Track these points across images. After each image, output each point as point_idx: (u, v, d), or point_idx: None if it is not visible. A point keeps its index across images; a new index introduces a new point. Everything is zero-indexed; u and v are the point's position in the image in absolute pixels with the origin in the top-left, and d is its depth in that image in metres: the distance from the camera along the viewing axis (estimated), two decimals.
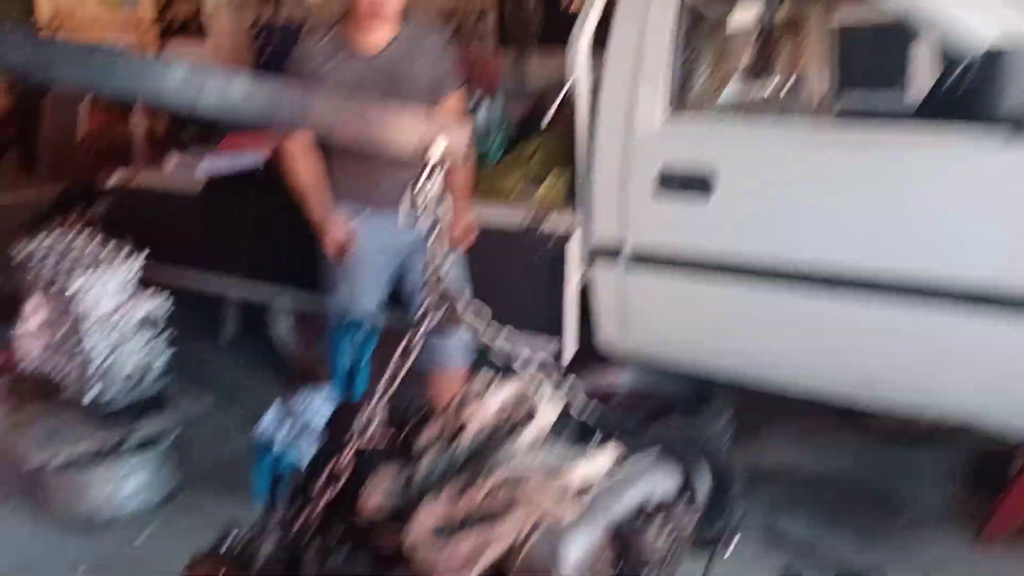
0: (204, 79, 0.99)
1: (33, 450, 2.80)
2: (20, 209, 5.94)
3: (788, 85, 3.57)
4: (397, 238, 2.71)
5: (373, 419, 1.25)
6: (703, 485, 1.22)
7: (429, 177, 1.24)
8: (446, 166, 1.26)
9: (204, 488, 3.06)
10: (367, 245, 2.75)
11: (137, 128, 5.37)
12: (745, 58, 3.53)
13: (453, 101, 2.77)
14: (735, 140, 2.65)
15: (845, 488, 3.07)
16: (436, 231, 1.25)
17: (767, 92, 3.45)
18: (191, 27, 7.04)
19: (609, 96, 2.76)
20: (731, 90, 3.30)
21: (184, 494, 3.02)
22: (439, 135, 1.25)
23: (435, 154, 1.21)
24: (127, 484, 2.85)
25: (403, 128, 1.25)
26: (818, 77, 3.74)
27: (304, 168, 2.75)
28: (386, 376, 1.25)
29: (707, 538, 1.24)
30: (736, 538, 1.24)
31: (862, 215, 2.38)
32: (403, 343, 1.27)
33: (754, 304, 2.55)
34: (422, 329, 1.28)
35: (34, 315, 3.17)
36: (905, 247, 2.32)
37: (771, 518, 2.82)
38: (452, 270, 2.83)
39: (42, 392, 3.09)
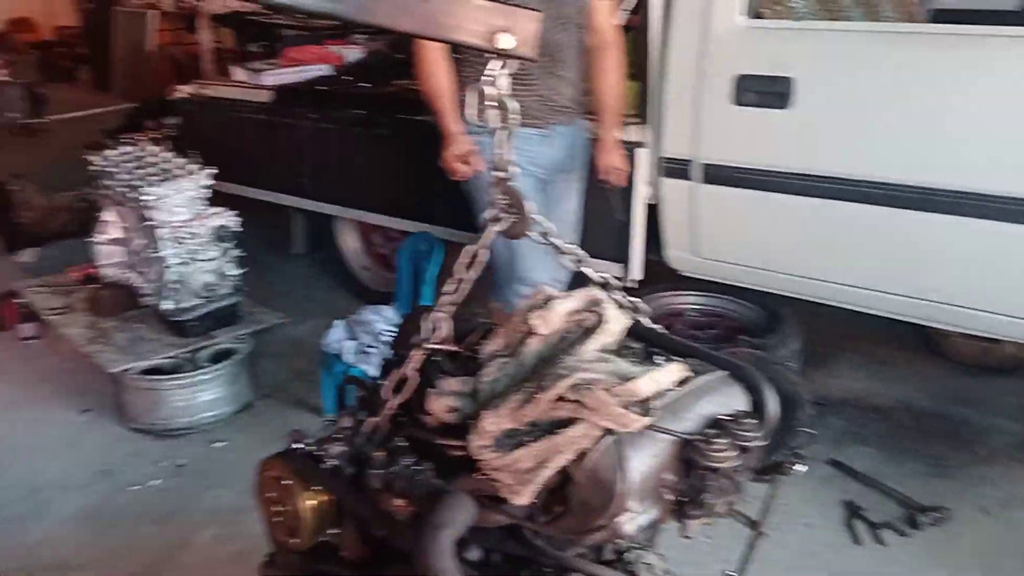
0: None
1: (113, 359, 2.91)
2: (94, 123, 6.08)
3: None
4: (542, 156, 2.60)
5: (439, 326, 1.22)
6: (771, 409, 1.17)
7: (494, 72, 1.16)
8: (515, 64, 1.18)
9: (275, 399, 3.16)
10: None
11: (204, 42, 5.39)
12: None
13: (606, 6, 2.63)
14: (817, 45, 2.49)
15: (916, 418, 2.98)
16: (505, 125, 1.18)
17: None
18: None
19: (684, 0, 2.62)
20: None
21: (256, 404, 3.11)
22: (508, 23, 1.16)
23: (503, 45, 1.13)
24: (202, 394, 2.94)
25: (466, 16, 1.16)
26: None
27: (438, 74, 2.55)
28: (452, 282, 1.22)
29: (771, 465, 1.20)
30: (801, 466, 1.19)
31: (959, 126, 2.22)
32: (468, 249, 1.23)
33: (834, 219, 2.43)
34: (490, 235, 1.23)
35: (111, 227, 3.25)
36: (1003, 160, 2.16)
37: (837, 448, 2.77)
38: (571, 209, 2.72)
39: (121, 302, 3.19)
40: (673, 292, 3.15)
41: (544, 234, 1.29)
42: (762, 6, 2.60)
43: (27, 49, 9.55)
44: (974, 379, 3.18)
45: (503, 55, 1.12)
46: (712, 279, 2.87)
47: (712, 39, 2.57)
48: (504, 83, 1.16)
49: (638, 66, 2.81)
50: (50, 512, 2.53)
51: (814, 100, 2.40)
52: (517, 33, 1.15)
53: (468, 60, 2.52)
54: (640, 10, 2.79)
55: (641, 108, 2.80)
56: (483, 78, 1.16)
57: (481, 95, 1.16)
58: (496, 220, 1.24)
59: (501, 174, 1.21)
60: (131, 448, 2.86)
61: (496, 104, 1.16)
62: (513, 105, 1.17)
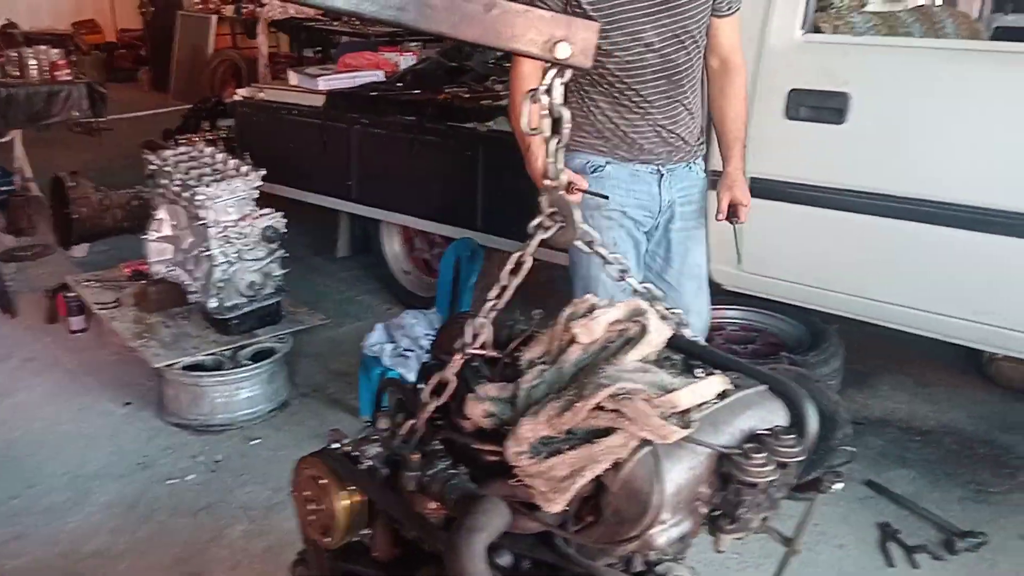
0: None
1: (157, 353, 2.96)
2: (153, 123, 6.23)
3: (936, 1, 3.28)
4: (653, 198, 2.24)
5: (480, 331, 1.21)
6: (811, 425, 1.14)
7: (552, 82, 1.15)
8: (568, 73, 1.17)
9: (313, 399, 3.19)
10: (613, 201, 2.19)
11: (262, 46, 5.50)
12: None
13: (732, 22, 2.24)
14: (876, 61, 2.45)
15: (959, 442, 2.90)
16: (558, 134, 1.17)
17: (912, 9, 3.17)
18: None
19: (743, 14, 2.59)
20: (872, 6, 3.05)
21: (293, 404, 3.14)
22: (566, 34, 1.15)
23: (560, 55, 1.12)
24: (241, 391, 2.98)
25: (525, 25, 1.16)
26: None
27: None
28: (496, 289, 1.21)
29: (808, 482, 1.17)
30: (838, 485, 1.16)
31: (1019, 146, 2.16)
32: (514, 256, 1.22)
33: (886, 237, 2.39)
34: (534, 241, 1.22)
35: (163, 224, 3.31)
36: None
37: (876, 469, 2.70)
38: (699, 262, 2.31)
39: (168, 299, 3.25)
40: (715, 306, 3.10)
41: (590, 243, 1.28)
42: (821, 21, 2.57)
43: (91, 50, 9.82)
44: (1017, 402, 3.09)
45: (560, 65, 1.12)
46: (756, 294, 2.82)
47: (768, 53, 2.54)
48: (558, 93, 1.15)
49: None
50: (89, 501, 2.58)
51: (870, 116, 2.35)
52: (575, 43, 1.15)
53: (582, 88, 2.21)
54: None
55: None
56: (540, 87, 1.16)
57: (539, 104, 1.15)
58: (542, 228, 1.24)
59: (550, 183, 1.21)
60: (170, 442, 2.91)
61: (549, 114, 1.15)
62: (566, 115, 1.17)
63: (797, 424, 1.15)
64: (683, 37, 2.11)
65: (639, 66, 2.11)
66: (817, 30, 2.54)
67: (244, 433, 2.95)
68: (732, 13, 2.21)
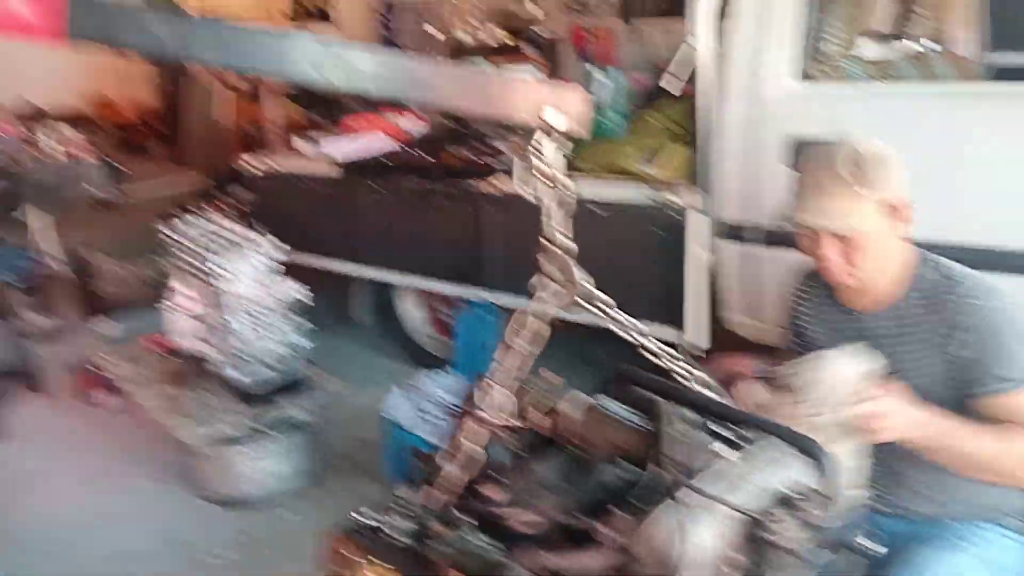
0: (330, 52, 1.01)
1: (187, 429, 2.98)
2: (170, 196, 6.35)
3: (931, 45, 3.31)
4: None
5: (498, 400, 1.24)
6: (837, 483, 1.16)
7: (542, 146, 1.20)
8: (560, 138, 1.22)
9: (340, 468, 3.19)
10: None
11: (271, 115, 5.60)
12: (881, 16, 3.29)
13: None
14: (872, 106, 2.49)
15: None
16: (555, 197, 1.21)
17: (906, 53, 3.23)
18: (324, 14, 7.35)
19: (734, 64, 2.65)
20: (866, 52, 3.10)
21: (322, 474, 3.14)
22: (555, 100, 1.20)
23: (551, 121, 1.17)
24: (269, 464, 2.99)
25: (516, 93, 1.21)
26: (966, 33, 3.43)
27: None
28: (502, 351, 1.24)
29: (842, 542, 1.16)
30: (878, 547, 1.15)
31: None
32: (518, 319, 1.25)
33: None
34: (535, 305, 1.25)
35: (181, 297, 3.35)
36: None
37: None
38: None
39: (191, 372, 3.27)
40: (734, 355, 3.10)
41: (596, 304, 1.31)
42: (812, 68, 2.62)
43: (110, 128, 10.03)
44: None
45: (552, 130, 1.17)
46: (773, 344, 2.83)
47: (763, 103, 2.59)
48: (551, 156, 1.20)
49: (690, 132, 2.85)
50: None
51: None
52: (565, 109, 1.20)
53: None
54: (689, 76, 2.84)
55: (691, 173, 2.83)
56: (530, 148, 1.20)
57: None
58: (544, 287, 1.27)
59: (553, 248, 1.25)
60: (202, 518, 2.92)
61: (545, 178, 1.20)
62: (564, 180, 1.21)
63: (822, 482, 1.15)
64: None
65: None
66: (809, 77, 2.57)
67: (275, 507, 2.95)
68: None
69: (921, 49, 2.87)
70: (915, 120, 2.38)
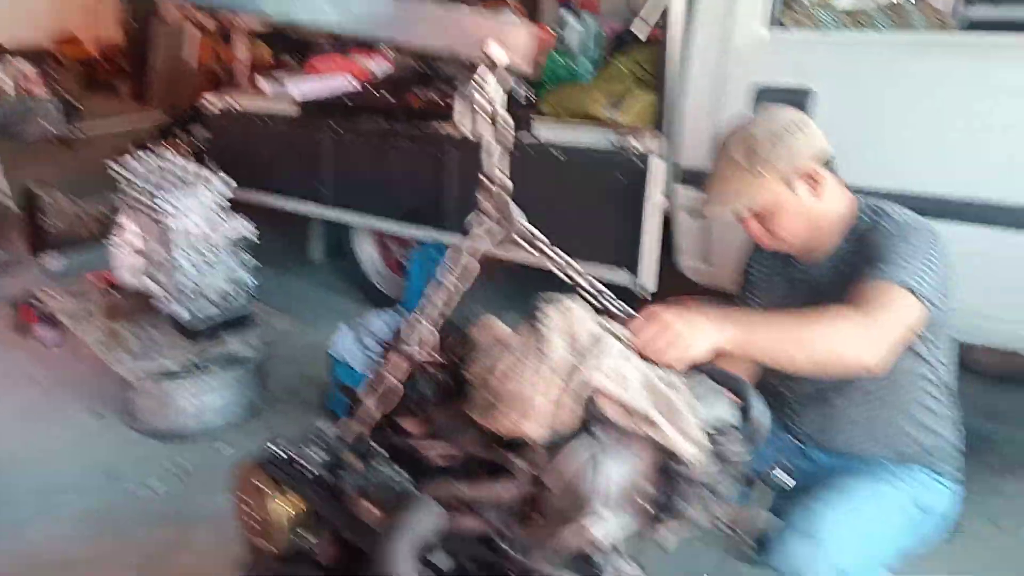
0: None
1: (125, 363, 2.91)
2: (130, 135, 6.19)
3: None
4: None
5: (422, 335, 1.19)
6: (763, 419, 1.12)
7: (486, 81, 1.14)
8: (502, 72, 1.16)
9: (286, 405, 3.15)
10: None
11: (239, 55, 5.45)
12: None
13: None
14: (838, 56, 2.43)
15: None
16: (495, 133, 1.15)
17: (882, 4, 3.17)
18: None
19: (705, 10, 2.58)
20: (841, 1, 3.04)
21: (267, 410, 3.10)
22: (498, 35, 1.14)
23: (494, 55, 1.11)
24: (212, 399, 2.94)
25: (458, 27, 1.15)
26: None
27: None
28: (434, 287, 1.19)
29: (756, 475, 1.14)
30: (787, 479, 1.13)
31: (987, 137, 2.15)
32: (452, 256, 1.20)
33: None
34: (469, 242, 1.20)
35: (129, 234, 3.27)
36: None
37: None
38: None
39: (136, 308, 3.20)
40: (683, 299, 3.09)
41: (532, 243, 1.27)
42: (784, 16, 2.55)
43: (73, 64, 9.79)
44: (993, 389, 3.07)
45: (495, 65, 1.11)
46: (724, 289, 2.81)
47: (732, 49, 2.53)
48: (493, 91, 1.14)
49: (657, 78, 2.78)
50: (54, 514, 2.53)
51: (833, 112, 2.33)
52: (510, 44, 1.14)
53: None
54: (663, 23, 2.76)
55: (656, 119, 2.76)
56: (471, 84, 1.15)
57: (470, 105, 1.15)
58: (480, 224, 1.22)
59: (491, 185, 1.19)
60: (140, 452, 2.86)
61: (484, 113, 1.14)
62: (504, 116, 1.15)
63: (745, 419, 1.13)
64: None
65: None
66: (781, 25, 2.52)
67: (214, 441, 2.91)
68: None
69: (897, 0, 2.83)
70: (880, 69, 2.33)
